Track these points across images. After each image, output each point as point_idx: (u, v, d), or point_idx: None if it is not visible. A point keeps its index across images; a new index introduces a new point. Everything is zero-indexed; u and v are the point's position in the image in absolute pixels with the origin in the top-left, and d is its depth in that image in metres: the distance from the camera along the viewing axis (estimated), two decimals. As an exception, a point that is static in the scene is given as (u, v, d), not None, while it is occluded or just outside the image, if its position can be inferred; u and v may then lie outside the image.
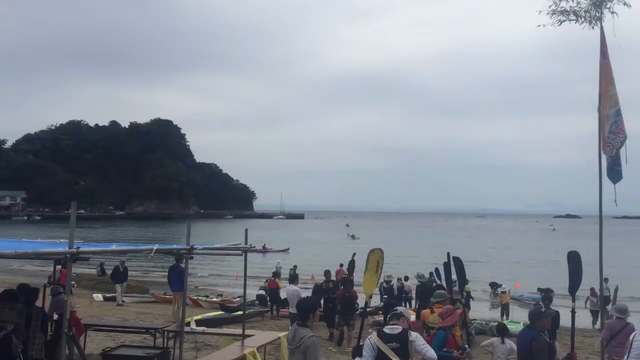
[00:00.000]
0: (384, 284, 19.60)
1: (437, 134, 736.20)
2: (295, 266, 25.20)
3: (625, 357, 7.78)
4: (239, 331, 11.21)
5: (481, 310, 23.50)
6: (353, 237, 76.12)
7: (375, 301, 22.57)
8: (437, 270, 18.69)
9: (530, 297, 24.68)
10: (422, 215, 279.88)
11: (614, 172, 10.51)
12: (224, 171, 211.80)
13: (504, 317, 21.57)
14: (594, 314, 20.41)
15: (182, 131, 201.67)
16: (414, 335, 6.13)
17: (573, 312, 8.85)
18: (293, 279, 15.58)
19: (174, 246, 11.24)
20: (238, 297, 22.86)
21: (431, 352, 6.08)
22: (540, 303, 12.98)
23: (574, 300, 8.74)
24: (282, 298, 19.39)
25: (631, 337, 7.72)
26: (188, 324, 11.44)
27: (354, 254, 14.62)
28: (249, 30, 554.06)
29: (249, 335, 10.91)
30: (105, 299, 22.93)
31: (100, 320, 14.29)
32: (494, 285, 28.17)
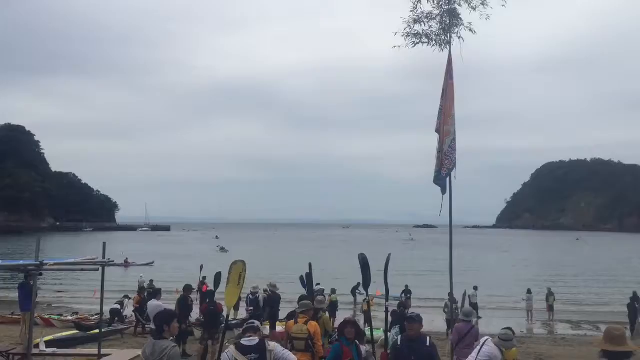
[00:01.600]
0: (250, 296, 19.53)
1: (306, 146, 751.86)
2: (151, 280, 24.39)
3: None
4: (94, 351, 10.60)
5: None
6: (222, 249, 75.08)
7: (242, 313, 22.49)
8: (302, 278, 18.93)
9: (394, 296, 25.80)
10: (291, 227, 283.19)
11: (443, 184, 11.41)
12: (83, 181, 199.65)
13: (366, 324, 22.35)
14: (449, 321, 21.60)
15: (36, 138, 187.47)
16: (272, 345, 6.23)
17: (387, 310, 10.23)
18: (155, 293, 14.98)
19: (21, 262, 10.38)
20: (96, 314, 21.63)
21: (292, 357, 6.22)
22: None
23: (366, 295, 9.56)
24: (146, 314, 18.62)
25: (482, 341, 8.27)
26: (37, 345, 10.61)
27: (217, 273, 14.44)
28: (114, 35, 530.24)
29: (106, 355, 10.36)
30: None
31: None
32: (357, 293, 29.02)
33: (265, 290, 21.52)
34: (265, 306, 16.81)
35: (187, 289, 16.42)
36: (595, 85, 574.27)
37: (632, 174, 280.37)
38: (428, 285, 33.53)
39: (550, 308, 26.80)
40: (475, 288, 26.18)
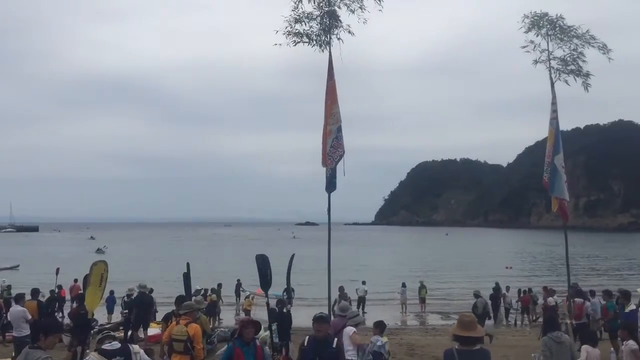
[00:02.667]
0: (125, 298, 18.77)
1: (188, 144, 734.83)
2: (9, 286, 22.77)
3: (359, 354, 8.69)
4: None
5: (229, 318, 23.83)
6: (100, 250, 71.11)
7: (117, 316, 21.55)
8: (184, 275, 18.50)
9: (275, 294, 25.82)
10: (173, 226, 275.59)
11: (331, 184, 11.71)
12: None
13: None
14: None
15: None
16: (136, 348, 6.20)
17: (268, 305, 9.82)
18: (18, 299, 13.90)
19: None
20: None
21: None
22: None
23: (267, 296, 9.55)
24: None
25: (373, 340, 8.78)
26: None
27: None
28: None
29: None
30: None
31: None
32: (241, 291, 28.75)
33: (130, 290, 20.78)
34: (134, 308, 16.20)
35: (35, 292, 15.36)
36: (464, 89, 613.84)
37: (496, 173, 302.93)
38: (310, 283, 34.00)
39: (422, 300, 28.25)
40: (364, 283, 27.08)
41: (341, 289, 19.66)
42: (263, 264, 10.27)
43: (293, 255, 11.12)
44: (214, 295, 23.00)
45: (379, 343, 8.99)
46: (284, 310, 12.64)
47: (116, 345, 6.08)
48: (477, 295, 19.63)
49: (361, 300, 25.90)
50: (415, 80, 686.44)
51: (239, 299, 28.31)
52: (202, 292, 21.51)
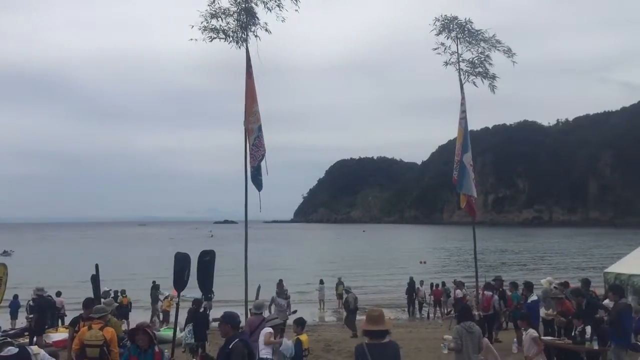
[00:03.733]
0: (31, 302, 17.78)
1: (101, 139, 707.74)
2: None
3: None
4: None
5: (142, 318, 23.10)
6: (5, 252, 67.01)
7: (22, 322, 20.43)
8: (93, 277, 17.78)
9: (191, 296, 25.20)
10: (83, 225, 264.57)
11: (257, 181, 11.67)
12: None
13: (164, 324, 21.75)
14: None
15: None
16: (35, 349, 6.15)
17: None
18: None
19: None
20: None
21: None
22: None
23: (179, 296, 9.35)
24: None
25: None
26: None
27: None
28: None
29: None
30: None
31: None
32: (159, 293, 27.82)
33: (49, 295, 19.81)
34: (33, 312, 15.51)
35: None
36: (383, 89, 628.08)
37: (411, 171, 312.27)
38: (230, 283, 33.61)
39: (340, 296, 28.60)
40: (280, 280, 26.97)
41: (280, 283, 18.68)
42: (183, 263, 9.90)
43: (214, 254, 10.81)
44: (128, 297, 22.32)
45: (287, 352, 8.97)
46: (200, 311, 12.44)
47: (13, 350, 5.91)
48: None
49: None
50: (335, 79, 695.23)
51: (160, 301, 27.06)
52: (112, 294, 20.83)
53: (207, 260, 9.29)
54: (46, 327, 17.41)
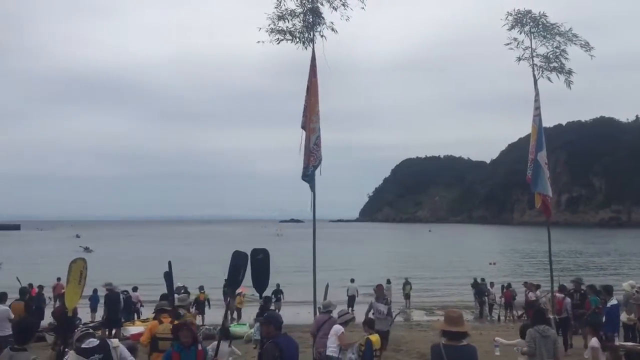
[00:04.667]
0: (108, 297, 18.59)
1: (172, 141, 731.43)
2: None
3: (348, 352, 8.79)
4: None
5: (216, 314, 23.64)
6: (87, 249, 69.36)
7: (101, 315, 21.37)
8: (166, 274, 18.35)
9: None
10: (157, 223, 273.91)
11: (312, 181, 11.71)
12: None
13: (236, 320, 22.20)
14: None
15: None
16: (115, 341, 6.19)
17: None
18: (2, 298, 13.74)
19: None
20: None
21: (131, 357, 6.20)
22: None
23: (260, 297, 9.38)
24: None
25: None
26: None
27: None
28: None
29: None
30: None
31: None
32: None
33: (124, 291, 20.64)
34: (105, 306, 16.29)
35: (23, 292, 15.30)
36: (446, 85, 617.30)
37: (479, 169, 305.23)
38: (298, 284, 33.87)
39: (407, 297, 28.39)
40: (353, 281, 26.99)
41: (379, 287, 15.84)
42: (239, 262, 9.88)
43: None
44: (206, 293, 22.93)
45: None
46: (271, 308, 12.61)
47: (94, 342, 6.03)
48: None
49: (351, 299, 25.81)
50: (400, 76, 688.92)
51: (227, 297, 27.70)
52: (183, 289, 21.43)
53: (260, 258, 9.25)
54: (122, 320, 18.22)
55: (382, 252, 71.99)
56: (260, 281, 9.18)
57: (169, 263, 11.19)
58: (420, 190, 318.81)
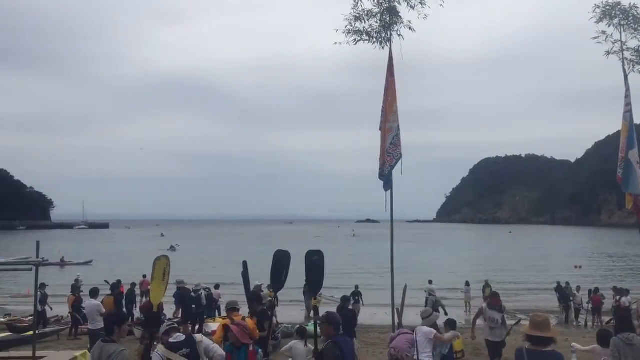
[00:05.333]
0: (192, 293, 19.26)
1: (249, 142, 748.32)
2: (77, 280, 23.65)
3: (415, 352, 8.68)
4: (29, 353, 10.24)
5: (292, 313, 23.98)
6: (172, 248, 71.80)
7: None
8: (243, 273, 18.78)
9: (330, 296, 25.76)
10: (236, 223, 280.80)
11: (387, 181, 11.63)
12: (15, 177, 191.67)
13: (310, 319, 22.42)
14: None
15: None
16: (199, 337, 6.37)
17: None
18: (93, 293, 14.60)
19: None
20: (30, 315, 20.87)
21: (220, 351, 6.32)
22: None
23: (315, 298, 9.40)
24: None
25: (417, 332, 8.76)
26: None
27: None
28: (49, 26, 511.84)
29: (41, 357, 10.04)
30: None
31: None
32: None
33: (205, 288, 21.32)
34: (176, 303, 16.99)
35: (113, 287, 16.23)
36: (527, 82, 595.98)
37: (563, 169, 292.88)
38: (375, 286, 33.77)
39: (487, 299, 27.66)
40: (431, 282, 26.63)
41: (494, 298, 12.84)
42: (282, 261, 9.77)
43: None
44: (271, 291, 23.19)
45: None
46: (349, 308, 12.64)
47: (181, 337, 6.21)
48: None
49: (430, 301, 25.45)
50: (479, 73, 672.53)
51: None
52: (263, 289, 21.77)
53: (315, 260, 9.26)
54: (204, 317, 18.85)
55: (460, 254, 70.50)
56: (315, 282, 9.24)
57: (244, 263, 11.40)
58: (501, 191, 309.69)
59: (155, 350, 6.09)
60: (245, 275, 11.80)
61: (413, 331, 9.26)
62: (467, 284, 27.79)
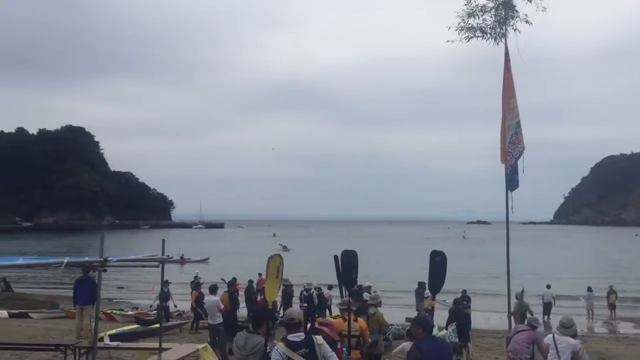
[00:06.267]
0: (304, 292, 19.66)
1: (356, 142, 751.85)
2: (195, 276, 24.69)
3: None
4: (155, 345, 10.92)
5: (401, 315, 23.81)
6: (285, 248, 72.84)
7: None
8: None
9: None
10: (343, 223, 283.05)
11: (512, 181, 11.18)
12: (140, 180, 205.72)
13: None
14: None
15: (96, 139, 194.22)
16: (319, 339, 6.19)
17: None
18: (213, 289, 15.36)
19: (86, 258, 10.79)
20: (154, 309, 22.35)
21: (335, 357, 6.19)
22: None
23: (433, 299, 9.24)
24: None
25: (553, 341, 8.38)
26: (101, 339, 11.03)
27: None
28: (166, 34, 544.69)
29: (167, 349, 10.66)
30: (12, 315, 21.64)
31: (5, 339, 13.48)
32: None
33: (316, 288, 21.64)
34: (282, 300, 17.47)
35: (230, 284, 16.98)
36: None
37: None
38: (491, 288, 32.68)
39: (612, 306, 25.96)
40: (549, 287, 25.46)
41: None
42: (350, 260, 9.84)
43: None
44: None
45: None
46: (464, 311, 12.37)
47: (301, 336, 6.11)
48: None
49: (547, 307, 24.35)
50: (602, 66, 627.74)
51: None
52: (370, 288, 21.69)
53: (438, 260, 9.22)
54: (316, 315, 19.16)
55: (580, 257, 66.50)
56: (436, 283, 9.20)
57: (335, 257, 11.43)
58: (626, 190, 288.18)
59: (275, 348, 6.11)
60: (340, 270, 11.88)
61: (531, 327, 9.02)
62: (590, 289, 26.20)
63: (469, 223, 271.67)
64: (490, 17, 11.92)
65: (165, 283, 20.82)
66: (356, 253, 9.90)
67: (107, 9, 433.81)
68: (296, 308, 7.33)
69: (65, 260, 7.35)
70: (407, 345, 9.49)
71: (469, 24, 11.95)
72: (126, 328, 17.33)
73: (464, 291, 22.67)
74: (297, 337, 6.07)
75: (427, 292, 23.99)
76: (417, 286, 23.86)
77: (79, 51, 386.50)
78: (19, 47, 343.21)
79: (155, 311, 21.81)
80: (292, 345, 5.96)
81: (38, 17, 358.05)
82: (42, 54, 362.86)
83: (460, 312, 12.07)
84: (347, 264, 9.89)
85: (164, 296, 20.58)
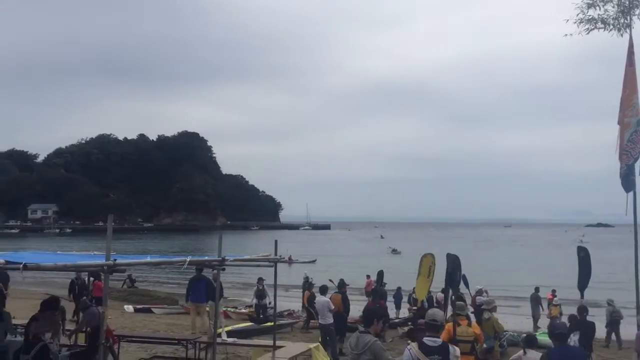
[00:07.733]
0: (413, 295, 19.43)
1: (463, 143, 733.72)
2: (306, 277, 24.93)
3: None
4: (269, 342, 11.27)
5: (515, 321, 22.87)
6: (395, 251, 71.31)
7: (404, 312, 22.46)
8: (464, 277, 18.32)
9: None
10: (450, 226, 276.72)
11: (628, 181, 10.43)
12: (249, 182, 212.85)
13: (540, 328, 21.02)
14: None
15: (209, 143, 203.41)
16: (457, 351, 5.90)
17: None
18: (324, 290, 15.60)
19: (206, 257, 11.40)
20: (248, 306, 23.05)
21: None
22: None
23: (582, 297, 8.86)
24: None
25: None
26: (219, 335, 11.54)
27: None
28: (273, 41, 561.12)
29: (280, 347, 10.95)
30: (136, 310, 23.18)
31: (133, 332, 14.48)
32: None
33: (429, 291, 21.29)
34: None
35: (339, 285, 17.12)
36: None
37: None
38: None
39: None
40: None
41: None
42: (454, 264, 10.02)
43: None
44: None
45: None
46: (587, 319, 11.60)
47: (438, 341, 5.75)
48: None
49: None
50: None
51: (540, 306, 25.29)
52: (482, 292, 21.01)
53: (582, 256, 8.95)
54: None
55: None
56: (583, 279, 8.94)
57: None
58: None
59: (408, 348, 5.80)
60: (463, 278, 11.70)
61: None
62: None
63: (587, 226, 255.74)
64: (612, 7, 11.19)
65: (259, 280, 21.45)
66: (458, 257, 9.88)
67: (223, 20, 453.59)
68: (439, 311, 7.08)
69: (188, 259, 7.81)
70: (520, 353, 9.11)
71: (589, 15, 11.29)
72: (241, 325, 18.01)
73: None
74: (434, 341, 5.73)
75: (557, 299, 22.60)
76: (533, 291, 22.86)
77: (190, 61, 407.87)
78: (140, 61, 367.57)
79: (248, 309, 22.41)
80: (426, 349, 5.66)
81: (154, 32, 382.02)
82: (159, 65, 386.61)
83: (583, 321, 11.33)
84: (452, 268, 9.93)
85: (260, 294, 21.14)
